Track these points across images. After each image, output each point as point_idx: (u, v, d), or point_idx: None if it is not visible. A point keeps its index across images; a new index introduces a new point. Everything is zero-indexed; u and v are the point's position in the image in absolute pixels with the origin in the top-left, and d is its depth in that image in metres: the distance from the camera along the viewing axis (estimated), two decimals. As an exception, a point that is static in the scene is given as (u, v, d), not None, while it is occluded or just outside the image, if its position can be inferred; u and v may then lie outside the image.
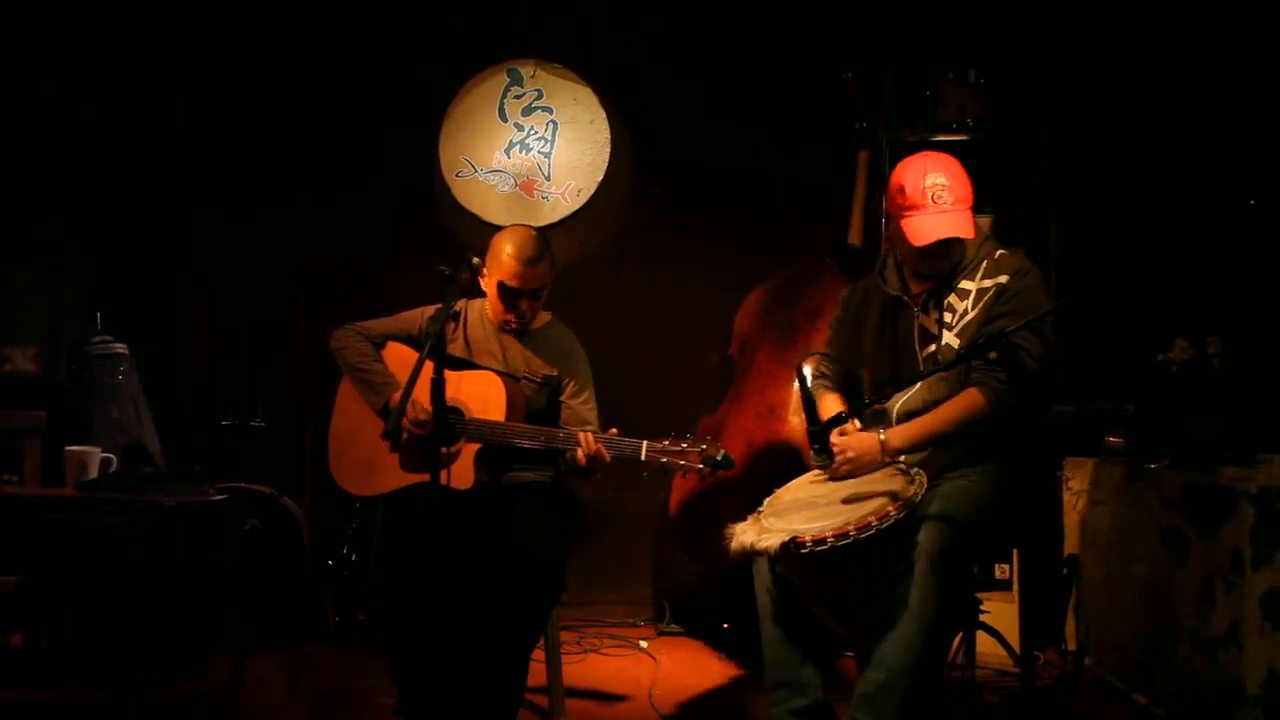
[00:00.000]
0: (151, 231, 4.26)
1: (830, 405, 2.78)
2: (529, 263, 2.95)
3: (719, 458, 2.69)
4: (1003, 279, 2.60)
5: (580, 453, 2.77)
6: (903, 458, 2.55)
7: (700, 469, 2.69)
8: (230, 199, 4.34)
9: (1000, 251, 2.66)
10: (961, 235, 2.58)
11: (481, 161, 4.37)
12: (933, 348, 2.64)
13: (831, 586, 2.43)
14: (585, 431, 2.81)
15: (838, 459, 2.54)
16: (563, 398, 3.05)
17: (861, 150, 3.96)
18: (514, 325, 3.04)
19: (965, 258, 2.65)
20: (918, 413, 2.60)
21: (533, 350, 3.06)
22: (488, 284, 3.03)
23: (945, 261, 2.64)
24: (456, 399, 2.88)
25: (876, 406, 2.65)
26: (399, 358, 3.04)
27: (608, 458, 2.77)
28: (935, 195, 2.58)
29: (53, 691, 3.13)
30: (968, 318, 2.60)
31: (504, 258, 2.96)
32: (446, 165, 4.36)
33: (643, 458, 2.73)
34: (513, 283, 2.96)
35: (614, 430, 2.83)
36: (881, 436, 2.53)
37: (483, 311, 3.12)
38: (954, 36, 4.10)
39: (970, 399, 2.53)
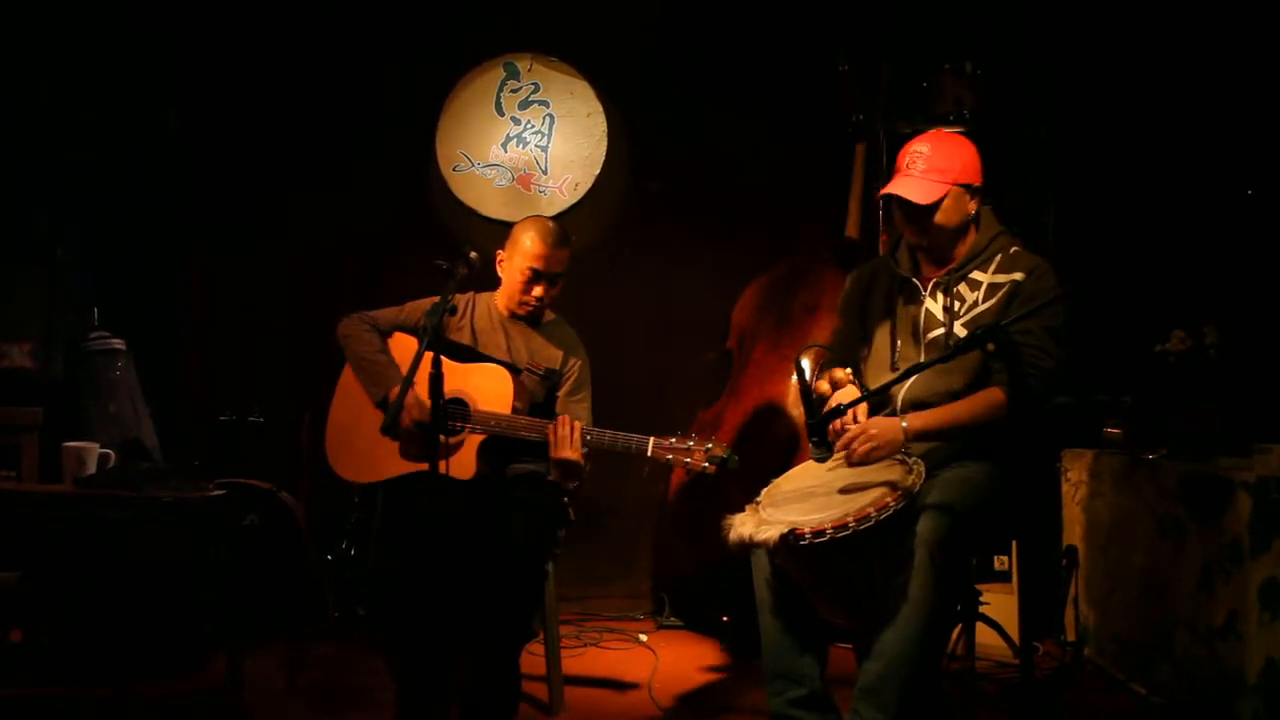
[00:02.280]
0: (148, 227, 4.26)
1: (847, 388, 2.74)
2: (554, 246, 2.99)
3: (725, 456, 2.69)
4: (1018, 276, 2.58)
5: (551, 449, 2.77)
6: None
7: (706, 468, 2.69)
8: (227, 193, 4.34)
9: (1015, 248, 2.64)
10: (904, 195, 2.59)
11: (478, 155, 4.37)
12: (939, 333, 2.62)
13: (831, 577, 2.43)
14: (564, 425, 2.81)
15: (861, 437, 2.47)
16: (559, 394, 3.05)
17: (858, 143, 3.97)
18: (529, 311, 3.05)
19: (978, 246, 2.63)
20: (924, 400, 2.59)
21: (538, 344, 3.07)
22: (507, 269, 3.05)
23: (923, 236, 2.64)
24: (463, 390, 2.89)
25: (881, 394, 2.64)
26: (404, 348, 3.05)
27: (576, 454, 2.76)
28: (910, 161, 2.63)
29: (53, 688, 3.13)
30: (978, 309, 2.59)
31: (527, 240, 3.00)
32: (443, 159, 4.36)
33: (649, 454, 2.74)
34: (536, 264, 2.99)
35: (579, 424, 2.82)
36: (904, 423, 2.51)
37: (490, 303, 3.13)
38: (950, 29, 4.10)
39: (993, 397, 2.52)
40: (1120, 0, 3.98)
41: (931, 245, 2.67)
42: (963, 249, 2.66)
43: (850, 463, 2.47)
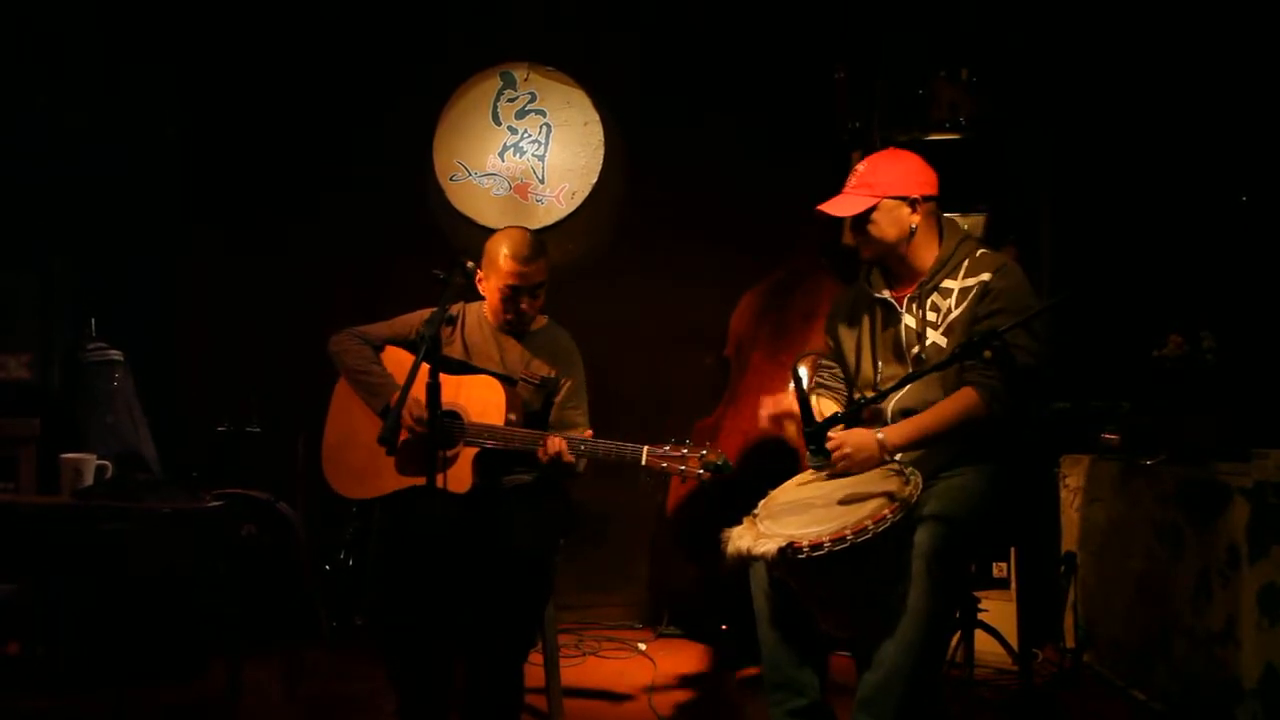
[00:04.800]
0: (145, 237, 4.26)
1: (828, 408, 2.78)
2: (526, 261, 2.98)
3: (719, 462, 2.70)
4: (985, 276, 2.61)
5: (540, 452, 2.79)
6: (899, 456, 2.54)
7: (701, 474, 2.69)
8: (225, 203, 4.34)
9: (981, 250, 2.69)
10: (826, 210, 2.70)
11: (475, 165, 4.37)
12: (918, 348, 2.65)
13: (829, 589, 2.42)
14: (559, 435, 2.83)
15: (835, 455, 2.53)
16: (556, 400, 3.05)
17: (855, 150, 3.97)
18: (515, 325, 3.04)
19: (944, 255, 2.67)
20: (914, 411, 2.60)
21: (531, 352, 3.07)
22: (486, 287, 3.04)
23: (866, 246, 2.71)
24: (456, 403, 2.89)
25: (871, 407, 2.65)
26: (397, 362, 3.04)
27: (569, 458, 2.78)
28: (848, 178, 2.73)
29: (50, 700, 3.12)
30: (953, 315, 2.62)
31: (501, 259, 2.98)
32: (440, 169, 4.36)
33: (643, 462, 2.74)
34: (513, 281, 2.97)
35: (588, 432, 2.86)
36: (879, 435, 2.53)
37: (480, 314, 3.12)
38: (945, 35, 4.11)
39: (965, 398, 2.54)
40: (1116, 6, 3.99)
41: (878, 259, 2.73)
42: (929, 261, 2.69)
43: (831, 477, 2.49)
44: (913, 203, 2.66)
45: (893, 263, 2.72)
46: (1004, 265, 2.64)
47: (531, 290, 3.01)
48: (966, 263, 2.66)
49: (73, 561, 3.15)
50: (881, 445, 2.52)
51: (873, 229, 2.67)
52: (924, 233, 2.68)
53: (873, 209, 2.66)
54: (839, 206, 2.69)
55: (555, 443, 2.79)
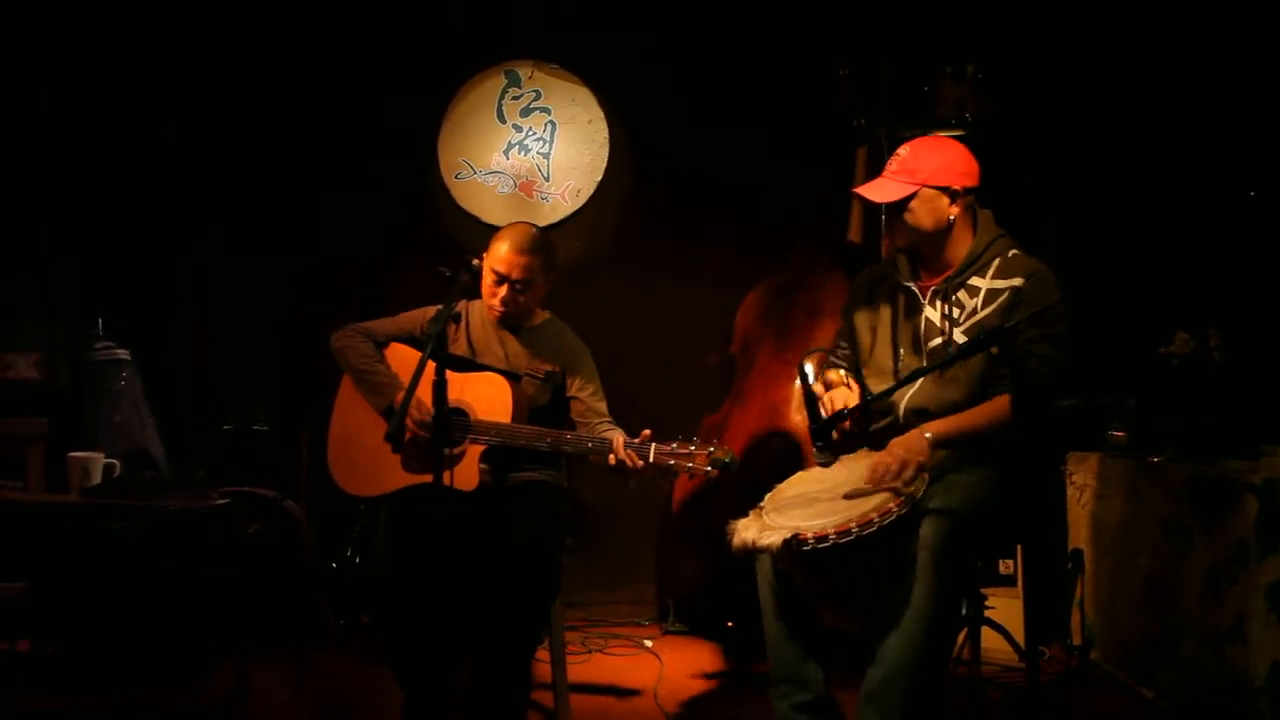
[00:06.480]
0: (151, 236, 4.27)
1: (843, 390, 2.70)
2: (516, 251, 2.98)
3: (727, 460, 2.69)
4: (1017, 282, 2.55)
5: (611, 458, 2.76)
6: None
7: (709, 471, 2.69)
8: (230, 202, 4.35)
9: (1014, 251, 2.62)
10: (864, 194, 2.66)
11: (480, 163, 4.37)
12: (938, 341, 2.61)
13: (835, 583, 2.42)
14: (616, 436, 2.81)
15: (895, 466, 2.42)
16: (570, 392, 3.06)
17: (860, 147, 3.96)
18: (503, 316, 3.03)
19: (975, 251, 2.62)
20: (926, 409, 2.58)
21: (533, 347, 3.07)
22: (484, 269, 3.04)
23: (901, 235, 2.65)
24: (462, 400, 2.89)
25: (882, 401, 2.63)
26: (401, 358, 3.05)
27: (639, 464, 2.74)
28: (889, 163, 2.67)
29: (59, 698, 3.13)
30: (977, 316, 2.57)
31: (494, 247, 3.01)
32: (445, 167, 4.37)
33: (651, 459, 2.73)
34: (498, 267, 2.98)
35: (647, 432, 2.77)
36: (928, 434, 2.49)
37: (483, 311, 3.13)
38: (950, 32, 4.10)
39: (1003, 405, 2.50)
40: (1121, 3, 3.98)
41: (911, 247, 2.68)
42: (959, 254, 2.63)
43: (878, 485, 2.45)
44: (953, 194, 2.59)
45: (924, 252, 2.67)
46: (1037, 271, 2.57)
47: (513, 284, 2.98)
48: (997, 262, 2.60)
49: (80, 560, 3.16)
50: (930, 441, 2.47)
51: (909, 217, 2.60)
52: (960, 225, 2.62)
53: (911, 196, 2.59)
54: (877, 191, 2.63)
55: (619, 445, 2.75)
